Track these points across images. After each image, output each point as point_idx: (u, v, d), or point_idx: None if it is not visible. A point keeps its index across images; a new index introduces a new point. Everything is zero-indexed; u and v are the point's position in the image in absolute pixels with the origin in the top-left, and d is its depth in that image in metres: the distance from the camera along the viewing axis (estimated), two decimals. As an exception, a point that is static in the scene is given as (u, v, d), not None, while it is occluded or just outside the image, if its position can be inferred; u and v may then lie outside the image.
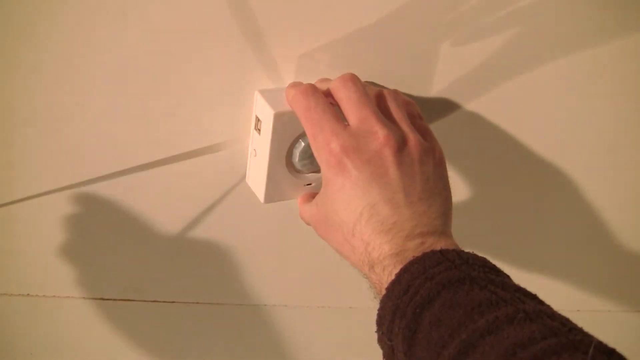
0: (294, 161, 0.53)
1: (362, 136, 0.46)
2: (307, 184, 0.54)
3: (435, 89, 0.56)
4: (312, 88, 0.48)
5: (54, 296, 0.62)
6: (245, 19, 0.49)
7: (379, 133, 0.46)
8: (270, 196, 0.54)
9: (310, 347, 0.72)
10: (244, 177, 0.57)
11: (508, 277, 0.43)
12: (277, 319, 0.68)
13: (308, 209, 0.51)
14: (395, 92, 0.51)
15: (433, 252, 0.43)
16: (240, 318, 0.68)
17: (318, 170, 0.54)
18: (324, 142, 0.46)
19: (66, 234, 0.59)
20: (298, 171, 0.54)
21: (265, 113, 0.50)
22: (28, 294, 0.62)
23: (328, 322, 0.70)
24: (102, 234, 0.60)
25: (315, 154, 0.48)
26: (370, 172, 0.45)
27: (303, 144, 0.52)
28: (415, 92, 0.56)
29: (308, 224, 0.52)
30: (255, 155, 0.53)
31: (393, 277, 0.43)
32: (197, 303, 0.65)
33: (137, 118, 0.53)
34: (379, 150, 0.46)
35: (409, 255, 0.43)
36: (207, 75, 0.52)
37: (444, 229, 0.47)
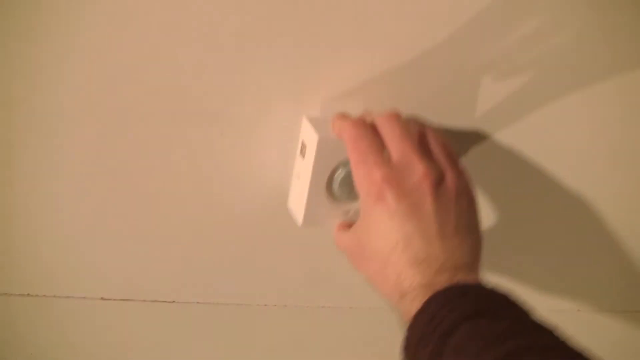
0: (334, 188, 0.54)
1: (403, 169, 0.48)
2: (345, 212, 0.55)
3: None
4: (362, 120, 0.51)
5: (54, 296, 0.62)
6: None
7: (419, 167, 0.48)
8: (309, 220, 0.55)
9: (310, 347, 0.72)
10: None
11: (529, 310, 0.45)
12: (277, 319, 0.68)
13: (344, 237, 0.53)
14: (436, 131, 0.52)
15: (458, 286, 0.45)
16: (240, 318, 0.68)
17: (356, 199, 0.55)
18: (367, 171, 0.48)
19: (66, 233, 0.59)
20: (337, 198, 0.55)
21: (310, 138, 0.52)
22: (28, 294, 0.62)
23: (328, 322, 0.69)
24: (102, 233, 0.60)
25: (357, 182, 0.49)
26: (407, 204, 0.47)
27: (344, 171, 0.53)
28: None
29: (343, 251, 0.53)
30: (298, 179, 0.55)
31: (420, 306, 0.45)
32: (197, 303, 0.65)
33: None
34: (418, 184, 0.47)
35: (437, 287, 0.45)
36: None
37: (473, 265, 0.48)
